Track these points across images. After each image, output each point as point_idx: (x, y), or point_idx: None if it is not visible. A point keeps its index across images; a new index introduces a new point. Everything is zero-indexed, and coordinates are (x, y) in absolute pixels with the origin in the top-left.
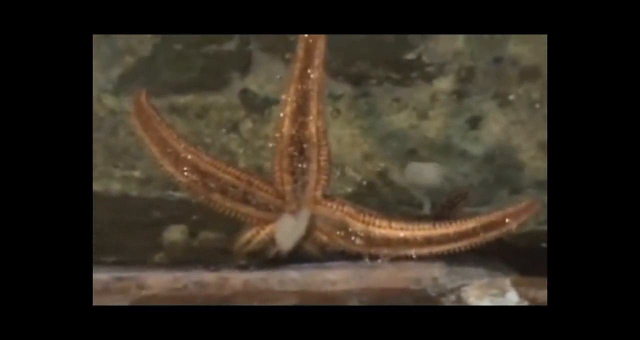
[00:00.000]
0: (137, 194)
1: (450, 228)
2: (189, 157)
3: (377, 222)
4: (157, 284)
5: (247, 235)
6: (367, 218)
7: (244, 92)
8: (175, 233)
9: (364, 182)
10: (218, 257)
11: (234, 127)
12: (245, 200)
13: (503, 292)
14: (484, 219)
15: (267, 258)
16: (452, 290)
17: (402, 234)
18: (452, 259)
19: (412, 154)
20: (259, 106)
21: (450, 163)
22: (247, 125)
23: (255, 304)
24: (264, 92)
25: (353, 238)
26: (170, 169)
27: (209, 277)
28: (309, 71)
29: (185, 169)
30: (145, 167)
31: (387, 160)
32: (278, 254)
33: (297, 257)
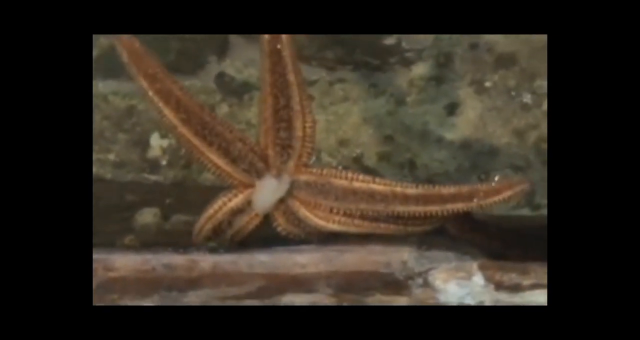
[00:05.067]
0: (111, 177)
1: (433, 190)
2: (191, 107)
3: (361, 177)
4: (125, 266)
5: (224, 198)
6: (350, 174)
7: (221, 76)
8: (147, 216)
9: (339, 168)
10: (190, 240)
11: (211, 111)
12: (231, 157)
13: (469, 276)
14: (467, 188)
15: (224, 239)
16: (419, 274)
17: (381, 188)
18: (423, 243)
19: (389, 141)
20: (236, 90)
21: (427, 149)
22: (224, 109)
23: (223, 286)
24: (240, 76)
25: (332, 196)
26: (172, 118)
27: (178, 259)
28: (279, 47)
29: (184, 116)
30: (120, 151)
31: (362, 146)
32: (233, 237)
33: (264, 238)
